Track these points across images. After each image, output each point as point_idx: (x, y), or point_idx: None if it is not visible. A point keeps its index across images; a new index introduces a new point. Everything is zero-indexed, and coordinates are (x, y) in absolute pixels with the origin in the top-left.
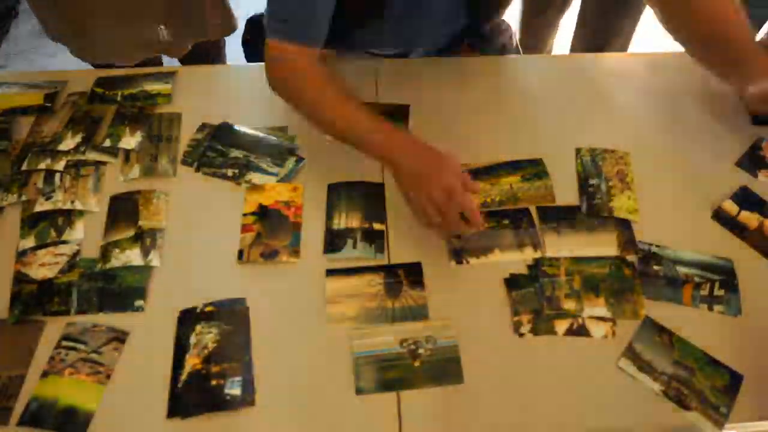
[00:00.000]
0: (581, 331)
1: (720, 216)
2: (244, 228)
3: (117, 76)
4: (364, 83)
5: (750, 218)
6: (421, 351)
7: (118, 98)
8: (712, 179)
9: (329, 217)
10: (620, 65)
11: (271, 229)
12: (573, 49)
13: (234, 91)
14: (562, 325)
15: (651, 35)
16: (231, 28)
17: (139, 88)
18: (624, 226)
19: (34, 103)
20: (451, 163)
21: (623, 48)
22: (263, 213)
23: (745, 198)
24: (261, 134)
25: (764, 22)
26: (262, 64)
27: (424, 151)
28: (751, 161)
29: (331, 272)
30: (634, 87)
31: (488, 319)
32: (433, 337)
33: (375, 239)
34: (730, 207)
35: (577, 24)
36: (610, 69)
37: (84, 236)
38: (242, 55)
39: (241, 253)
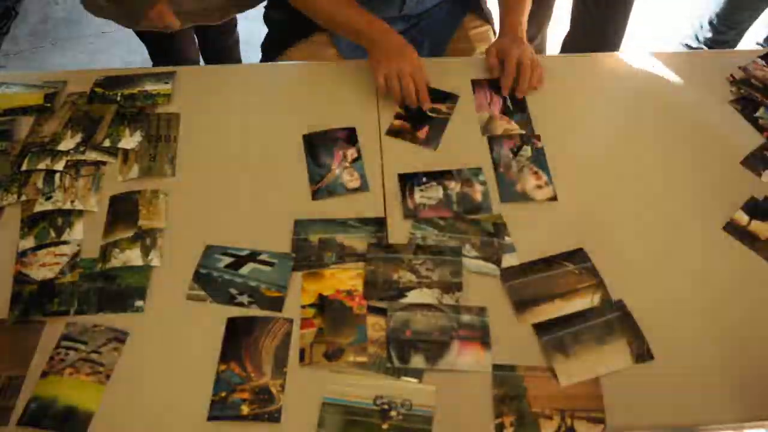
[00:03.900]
0: None
1: (731, 227)
2: (304, 323)
3: (117, 76)
4: (364, 83)
5: (760, 228)
6: (392, 413)
7: (118, 98)
8: (720, 180)
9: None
10: (616, 65)
11: (333, 324)
12: (564, 51)
13: (233, 90)
14: (548, 428)
15: (641, 36)
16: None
17: (138, 88)
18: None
19: (34, 103)
20: (411, 51)
21: (615, 49)
22: (323, 305)
23: (756, 208)
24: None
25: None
26: (262, 64)
27: (394, 37)
28: (759, 160)
29: None
30: (632, 87)
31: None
32: (410, 401)
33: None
34: (741, 217)
35: (569, 28)
36: (608, 69)
37: (84, 236)
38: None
39: (302, 353)
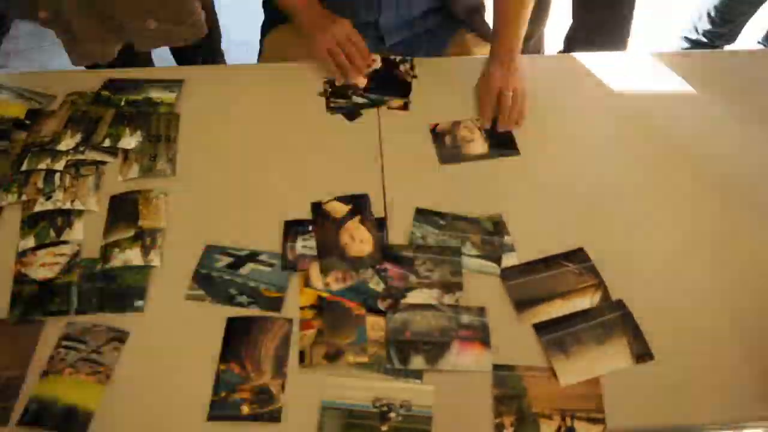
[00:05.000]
0: None
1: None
2: (304, 324)
3: (124, 81)
4: None
5: None
6: (392, 415)
7: (122, 103)
8: (719, 179)
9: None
10: (615, 65)
11: (333, 325)
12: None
13: (233, 90)
14: (548, 428)
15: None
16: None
17: (143, 95)
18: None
19: (13, 115)
20: (345, 22)
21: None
22: (322, 306)
23: None
24: None
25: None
26: (263, 64)
27: (326, 14)
28: None
29: None
30: (630, 87)
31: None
32: (409, 402)
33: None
34: None
35: (572, 22)
36: (607, 69)
37: (84, 236)
38: (240, 56)
39: (302, 355)
